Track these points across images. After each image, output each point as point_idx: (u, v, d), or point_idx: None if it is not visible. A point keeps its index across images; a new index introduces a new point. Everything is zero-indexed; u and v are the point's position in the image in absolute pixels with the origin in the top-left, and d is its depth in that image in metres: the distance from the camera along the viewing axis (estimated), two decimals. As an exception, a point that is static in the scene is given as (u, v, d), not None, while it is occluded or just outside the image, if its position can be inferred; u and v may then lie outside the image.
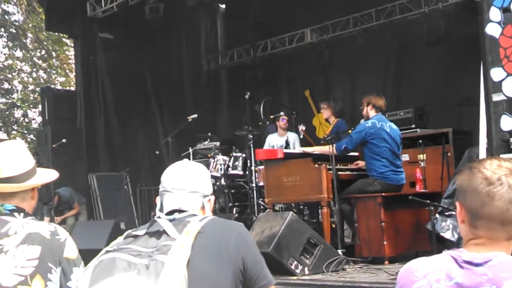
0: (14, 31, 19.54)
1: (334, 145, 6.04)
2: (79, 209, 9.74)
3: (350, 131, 6.31)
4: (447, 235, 4.94)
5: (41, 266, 2.12)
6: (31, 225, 2.20)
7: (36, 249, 2.13)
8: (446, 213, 4.99)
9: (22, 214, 2.24)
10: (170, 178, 2.10)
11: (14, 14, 19.22)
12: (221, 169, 7.71)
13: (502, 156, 4.45)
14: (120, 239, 1.97)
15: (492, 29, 4.71)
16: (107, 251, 1.88)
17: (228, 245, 1.92)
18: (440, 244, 4.95)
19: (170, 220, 1.97)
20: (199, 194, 2.10)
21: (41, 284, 2.11)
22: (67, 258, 2.20)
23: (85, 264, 1.94)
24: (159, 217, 2.02)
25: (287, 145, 7.88)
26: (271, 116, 8.17)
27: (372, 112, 6.20)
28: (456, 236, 4.88)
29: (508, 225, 1.51)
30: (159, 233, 1.91)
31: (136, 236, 1.94)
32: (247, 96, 8.38)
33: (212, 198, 2.17)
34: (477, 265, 1.48)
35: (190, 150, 8.40)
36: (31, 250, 2.13)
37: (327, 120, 7.99)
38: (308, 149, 6.56)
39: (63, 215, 9.51)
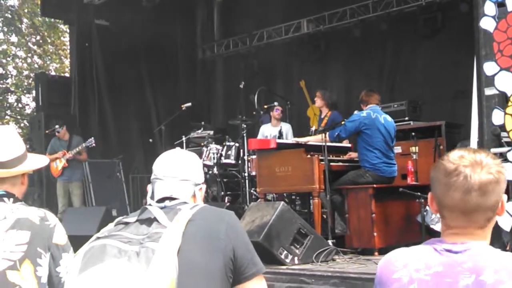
0: (9, 16, 19.39)
1: (327, 133, 6.06)
2: (86, 158, 9.43)
3: (343, 122, 6.32)
4: (437, 227, 4.97)
5: (30, 251, 2.13)
6: (20, 210, 2.21)
7: (25, 234, 2.14)
8: (437, 206, 5.00)
9: (11, 200, 2.24)
10: (161, 165, 2.10)
11: (10, -1, 19.11)
12: (214, 158, 7.70)
13: (492, 150, 4.46)
14: (111, 225, 1.96)
15: (487, 23, 4.70)
16: (98, 238, 1.88)
17: (218, 234, 1.91)
18: (429, 236, 4.97)
19: (161, 208, 1.96)
20: (190, 182, 2.09)
21: (31, 268, 2.11)
22: (56, 244, 2.21)
23: (75, 250, 1.95)
24: (150, 204, 2.02)
25: (280, 135, 7.86)
26: (265, 106, 8.15)
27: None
28: (445, 228, 4.90)
29: (470, 215, 1.51)
30: (150, 221, 1.91)
31: (127, 223, 1.94)
32: (241, 86, 8.35)
33: (204, 186, 2.16)
34: (456, 253, 1.49)
35: (184, 139, 8.39)
36: (20, 235, 2.13)
37: (320, 109, 7.99)
38: (302, 139, 6.57)
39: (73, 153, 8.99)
